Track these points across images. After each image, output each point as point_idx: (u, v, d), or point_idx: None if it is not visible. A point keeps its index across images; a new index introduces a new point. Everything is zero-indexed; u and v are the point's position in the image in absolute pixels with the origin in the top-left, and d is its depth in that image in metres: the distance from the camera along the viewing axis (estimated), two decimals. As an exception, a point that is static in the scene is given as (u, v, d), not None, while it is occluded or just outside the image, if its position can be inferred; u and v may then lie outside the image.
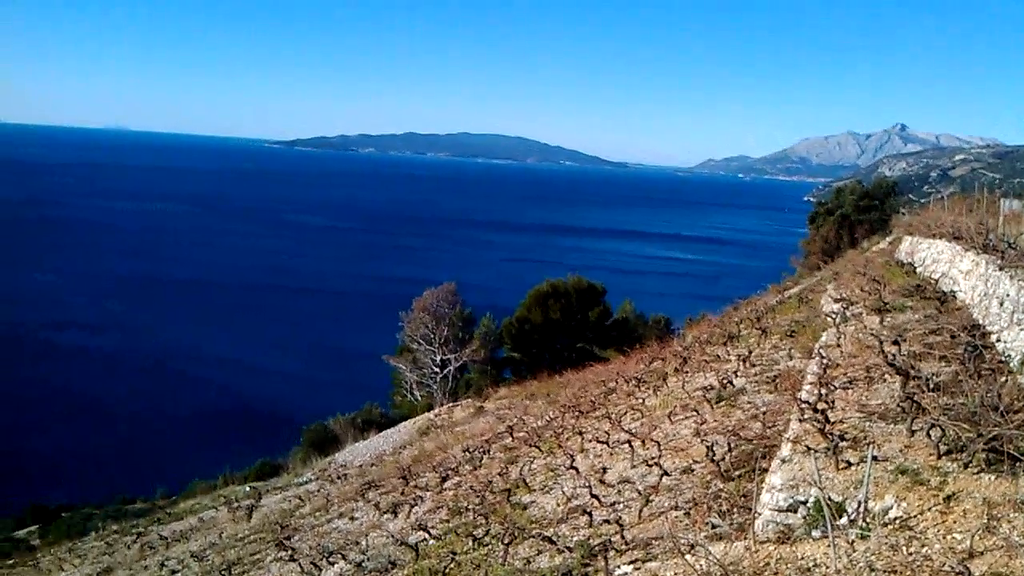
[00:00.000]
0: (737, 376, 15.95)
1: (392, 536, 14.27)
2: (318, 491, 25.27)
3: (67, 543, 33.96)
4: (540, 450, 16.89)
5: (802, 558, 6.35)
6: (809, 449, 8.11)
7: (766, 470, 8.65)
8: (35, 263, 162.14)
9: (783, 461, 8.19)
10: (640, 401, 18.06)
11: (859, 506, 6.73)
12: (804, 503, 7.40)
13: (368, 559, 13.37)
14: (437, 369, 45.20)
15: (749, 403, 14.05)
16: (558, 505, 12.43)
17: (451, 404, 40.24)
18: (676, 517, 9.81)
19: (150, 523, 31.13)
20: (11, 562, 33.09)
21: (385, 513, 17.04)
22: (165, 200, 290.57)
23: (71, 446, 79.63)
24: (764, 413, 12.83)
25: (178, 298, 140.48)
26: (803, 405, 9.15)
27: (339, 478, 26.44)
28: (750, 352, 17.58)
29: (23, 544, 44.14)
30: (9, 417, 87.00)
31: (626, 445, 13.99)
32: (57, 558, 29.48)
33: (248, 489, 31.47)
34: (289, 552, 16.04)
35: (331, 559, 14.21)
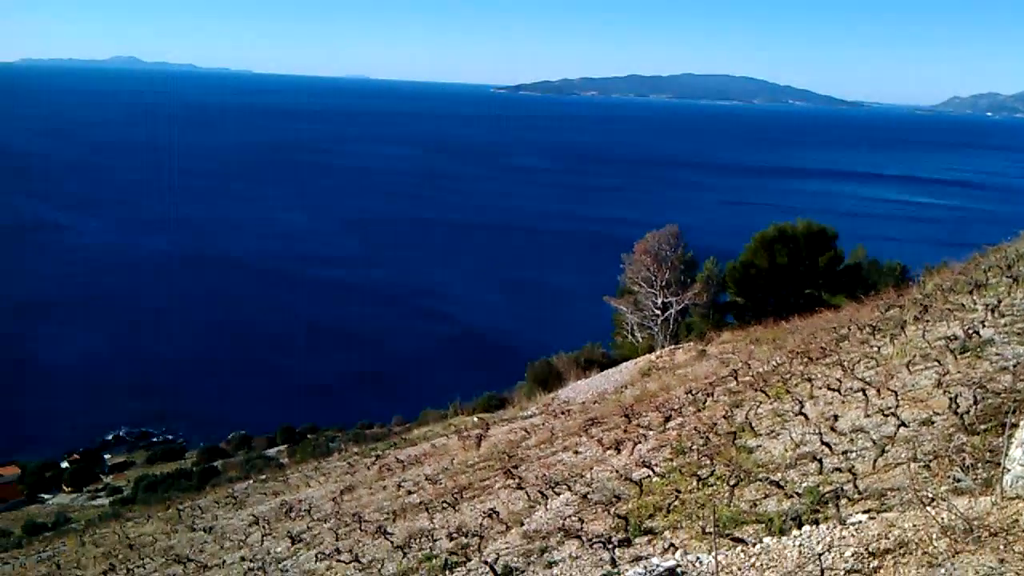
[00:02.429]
0: (984, 326, 14.97)
1: (616, 471, 14.60)
2: (543, 425, 26.10)
3: (312, 462, 36.76)
4: (766, 395, 16.63)
5: (1056, 516, 6.05)
6: (1068, 404, 7.60)
7: (1016, 424, 8.18)
8: (285, 202, 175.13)
9: (1037, 416, 7.72)
10: (875, 349, 17.34)
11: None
12: (1060, 460, 6.97)
13: (593, 491, 13.78)
14: (658, 312, 45.03)
15: (997, 355, 13.21)
16: (785, 451, 12.27)
17: (672, 347, 40.11)
18: (915, 469, 9.47)
19: (387, 447, 33.22)
20: (263, 477, 36.44)
21: (608, 449, 17.41)
22: (400, 144, 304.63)
23: (317, 373, 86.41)
24: (1015, 366, 12.04)
25: (413, 236, 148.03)
26: (1063, 358, 8.54)
27: (563, 413, 27.16)
28: (999, 301, 16.42)
29: (274, 461, 48.73)
30: (263, 345, 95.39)
31: (859, 393, 13.54)
32: (304, 475, 32.06)
33: (476, 420, 32.99)
34: (516, 481, 16.76)
35: (556, 489, 14.73)
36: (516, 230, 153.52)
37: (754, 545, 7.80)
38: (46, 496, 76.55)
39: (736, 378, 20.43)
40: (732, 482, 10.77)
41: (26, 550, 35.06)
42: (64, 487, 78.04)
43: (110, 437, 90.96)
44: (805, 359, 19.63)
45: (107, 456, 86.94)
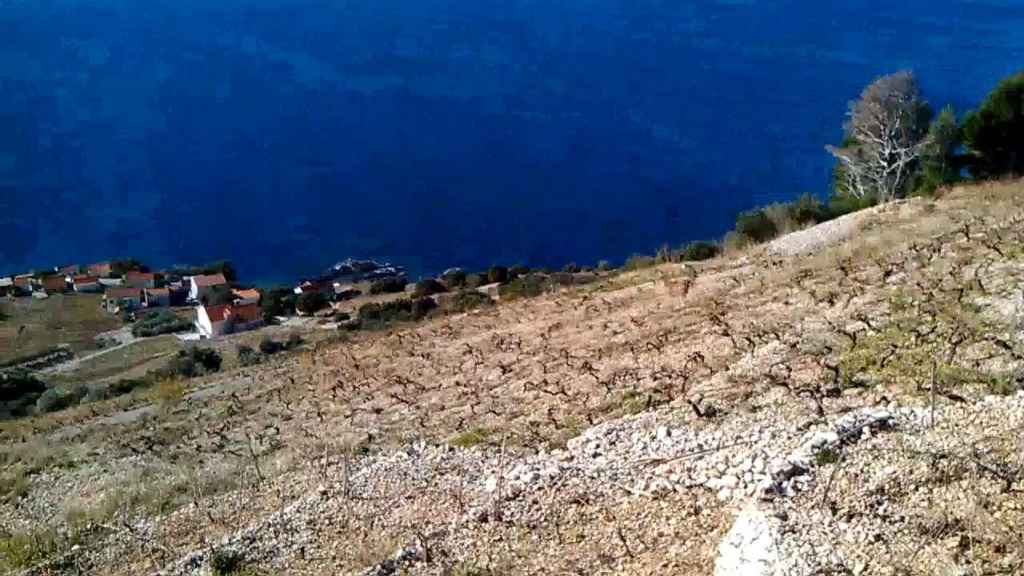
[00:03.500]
0: None
1: (828, 323, 14.29)
2: (752, 275, 25.71)
3: (522, 300, 38.25)
4: (1000, 252, 15.59)
5: None
6: None
7: None
8: (499, 49, 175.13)
9: None
10: None
11: None
12: None
13: (802, 341, 13.56)
14: (884, 163, 42.57)
15: None
16: (1017, 311, 11.57)
17: (897, 200, 38.00)
18: None
19: (594, 289, 33.90)
20: (476, 311, 38.31)
21: (821, 301, 17.00)
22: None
23: (527, 216, 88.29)
24: None
25: (625, 82, 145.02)
26: None
27: (774, 264, 26.59)
28: None
29: (486, 298, 51.08)
30: (478, 187, 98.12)
31: (1110, 255, 12.46)
32: (514, 311, 33.42)
33: (684, 267, 32.92)
34: (723, 327, 16.78)
35: (764, 338, 14.59)
36: (729, 76, 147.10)
37: (974, 403, 7.56)
38: (281, 318, 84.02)
39: (967, 234, 19.21)
40: (954, 340, 10.34)
41: (264, 365, 39.12)
42: (297, 311, 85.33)
43: (338, 267, 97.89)
44: (1049, 217, 18.16)
45: (336, 284, 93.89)
